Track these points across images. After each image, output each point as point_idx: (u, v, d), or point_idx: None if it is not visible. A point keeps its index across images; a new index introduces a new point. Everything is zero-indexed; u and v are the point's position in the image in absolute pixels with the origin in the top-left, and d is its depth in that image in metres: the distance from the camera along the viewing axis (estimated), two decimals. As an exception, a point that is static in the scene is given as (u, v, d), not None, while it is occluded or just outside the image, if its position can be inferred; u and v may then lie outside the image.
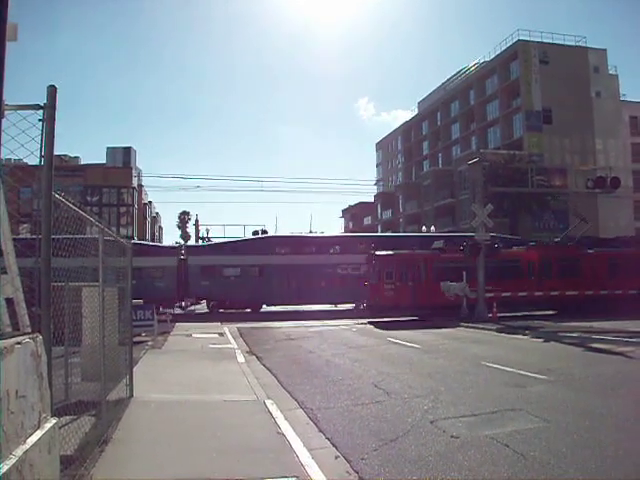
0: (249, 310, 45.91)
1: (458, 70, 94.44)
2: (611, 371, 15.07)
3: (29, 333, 5.10)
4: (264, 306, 47.69)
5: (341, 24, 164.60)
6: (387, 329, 29.14)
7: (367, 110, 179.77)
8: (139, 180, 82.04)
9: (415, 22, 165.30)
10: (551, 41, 75.37)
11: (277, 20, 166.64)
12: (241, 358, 18.74)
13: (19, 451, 3.93)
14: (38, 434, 4.47)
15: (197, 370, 16.23)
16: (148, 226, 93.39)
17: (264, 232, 72.55)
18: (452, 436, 8.99)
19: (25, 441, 4.15)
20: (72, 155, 79.08)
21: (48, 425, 4.80)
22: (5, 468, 3.63)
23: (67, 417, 7.99)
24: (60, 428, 5.83)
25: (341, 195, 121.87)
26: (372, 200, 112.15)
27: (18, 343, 4.28)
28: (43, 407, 4.79)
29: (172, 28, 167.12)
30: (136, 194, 78.92)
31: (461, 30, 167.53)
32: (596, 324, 26.50)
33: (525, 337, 23.76)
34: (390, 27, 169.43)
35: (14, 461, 3.76)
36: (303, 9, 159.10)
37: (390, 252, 38.24)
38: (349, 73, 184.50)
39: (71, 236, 7.04)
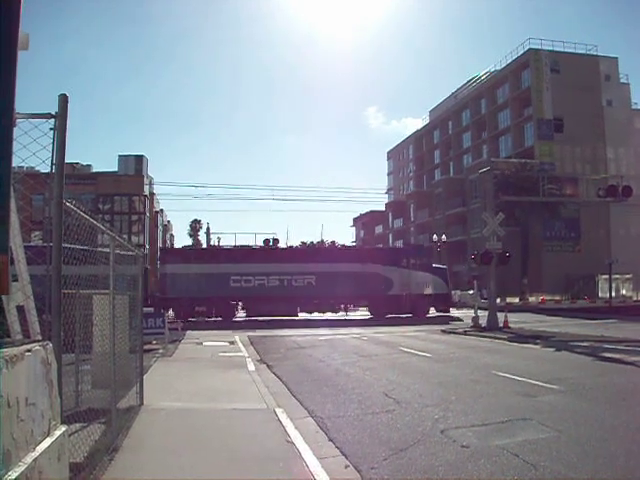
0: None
1: (469, 79, 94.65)
2: (623, 381, 14.99)
3: (39, 340, 5.12)
4: None
5: (349, 33, 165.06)
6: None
7: (377, 119, 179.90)
8: (151, 188, 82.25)
9: (425, 30, 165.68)
10: (562, 50, 75.38)
11: (286, 29, 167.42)
12: (251, 366, 18.73)
13: (28, 458, 3.94)
14: (48, 441, 4.48)
15: (207, 378, 16.23)
16: (159, 234, 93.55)
17: (275, 240, 72.54)
18: (462, 446, 8.96)
19: (35, 448, 4.16)
20: (84, 163, 79.47)
21: (58, 432, 4.81)
22: (14, 475, 3.64)
23: (77, 424, 8.00)
24: (70, 435, 5.84)
25: (352, 204, 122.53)
26: (383, 209, 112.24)
27: (28, 350, 4.29)
28: (53, 414, 4.81)
29: (180, 35, 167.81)
30: (148, 202, 79.06)
31: (472, 38, 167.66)
32: (607, 333, 26.42)
33: (536, 346, 23.65)
34: (399, 36, 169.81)
35: (23, 468, 3.77)
36: (312, 18, 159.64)
37: None
38: (358, 82, 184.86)
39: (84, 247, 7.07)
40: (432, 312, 47.32)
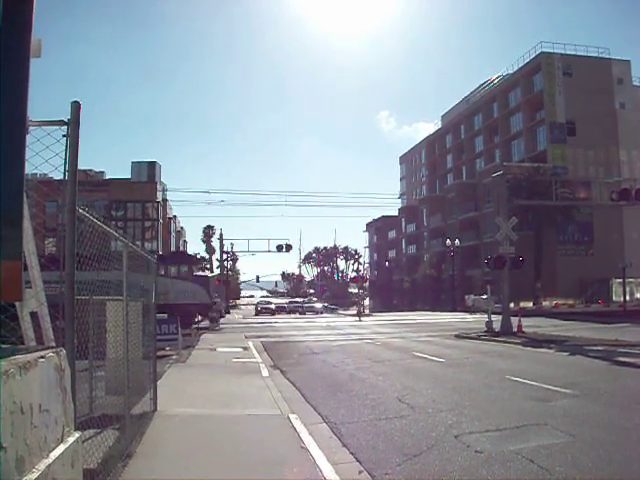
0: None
1: (481, 83, 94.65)
2: (637, 385, 14.94)
3: (53, 347, 5.12)
4: None
5: (361, 38, 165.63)
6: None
7: (388, 123, 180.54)
8: (164, 194, 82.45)
9: (437, 35, 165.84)
10: (574, 53, 75.18)
11: (298, 34, 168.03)
12: (265, 372, 18.73)
13: (42, 465, 3.94)
14: (61, 448, 4.47)
15: (221, 384, 16.24)
16: (172, 240, 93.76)
17: (288, 246, 72.68)
18: (476, 451, 8.92)
19: (48, 455, 4.15)
20: (97, 170, 79.72)
21: (71, 439, 4.81)
22: (28, 482, 3.65)
23: (91, 431, 8.03)
24: (84, 442, 5.85)
25: (366, 209, 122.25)
26: (396, 214, 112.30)
27: (42, 357, 4.30)
28: (66, 421, 4.80)
29: (190, 39, 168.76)
30: (161, 208, 79.24)
31: (483, 43, 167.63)
32: (622, 337, 26.28)
33: (550, 351, 23.56)
34: (411, 40, 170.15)
35: (37, 475, 3.77)
36: (323, 23, 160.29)
37: None
38: (369, 86, 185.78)
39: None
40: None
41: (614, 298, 62.41)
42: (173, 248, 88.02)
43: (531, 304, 59.45)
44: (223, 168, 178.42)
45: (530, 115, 77.61)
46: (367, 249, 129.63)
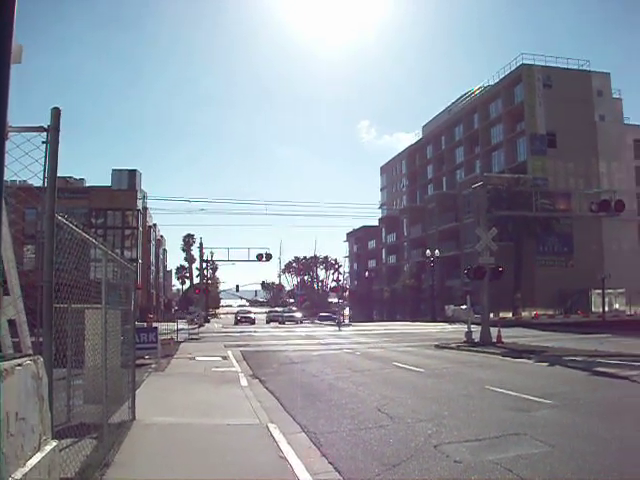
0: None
1: (462, 94, 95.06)
2: (616, 395, 14.99)
3: (30, 355, 5.08)
4: None
5: (343, 47, 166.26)
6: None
7: (369, 133, 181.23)
8: (144, 203, 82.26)
9: (419, 45, 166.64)
10: (555, 65, 75.79)
11: (280, 43, 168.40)
12: (244, 381, 18.66)
13: (18, 474, 3.90)
14: (38, 456, 4.44)
15: (200, 393, 16.16)
16: (152, 249, 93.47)
17: (268, 255, 72.51)
18: (455, 461, 8.92)
19: (25, 464, 4.12)
20: (77, 177, 79.37)
21: (48, 447, 4.77)
22: (4, 491, 3.61)
23: (68, 439, 7.94)
24: (61, 451, 5.79)
25: (346, 218, 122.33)
26: (376, 224, 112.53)
27: (19, 365, 4.26)
28: (43, 429, 4.76)
29: (174, 50, 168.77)
30: (141, 217, 79.07)
31: (465, 54, 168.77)
32: (601, 348, 26.41)
33: (530, 361, 23.63)
34: (393, 50, 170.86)
35: (13, 484, 3.74)
36: (306, 32, 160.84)
37: None
38: (350, 96, 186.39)
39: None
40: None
41: (593, 309, 62.94)
42: (152, 256, 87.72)
43: (511, 314, 59.83)
44: (205, 177, 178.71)
45: (511, 126, 78.11)
46: (347, 259, 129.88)
